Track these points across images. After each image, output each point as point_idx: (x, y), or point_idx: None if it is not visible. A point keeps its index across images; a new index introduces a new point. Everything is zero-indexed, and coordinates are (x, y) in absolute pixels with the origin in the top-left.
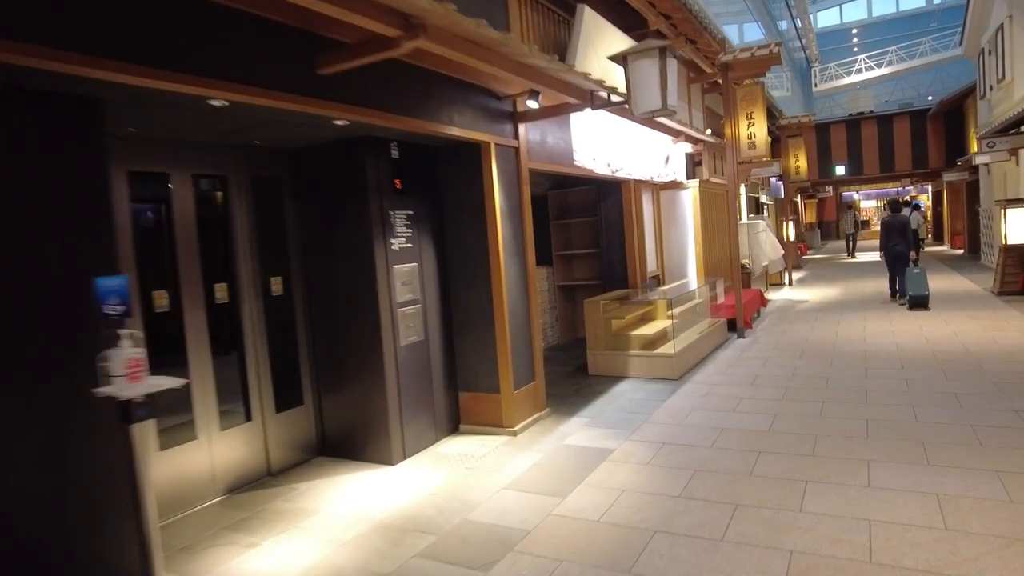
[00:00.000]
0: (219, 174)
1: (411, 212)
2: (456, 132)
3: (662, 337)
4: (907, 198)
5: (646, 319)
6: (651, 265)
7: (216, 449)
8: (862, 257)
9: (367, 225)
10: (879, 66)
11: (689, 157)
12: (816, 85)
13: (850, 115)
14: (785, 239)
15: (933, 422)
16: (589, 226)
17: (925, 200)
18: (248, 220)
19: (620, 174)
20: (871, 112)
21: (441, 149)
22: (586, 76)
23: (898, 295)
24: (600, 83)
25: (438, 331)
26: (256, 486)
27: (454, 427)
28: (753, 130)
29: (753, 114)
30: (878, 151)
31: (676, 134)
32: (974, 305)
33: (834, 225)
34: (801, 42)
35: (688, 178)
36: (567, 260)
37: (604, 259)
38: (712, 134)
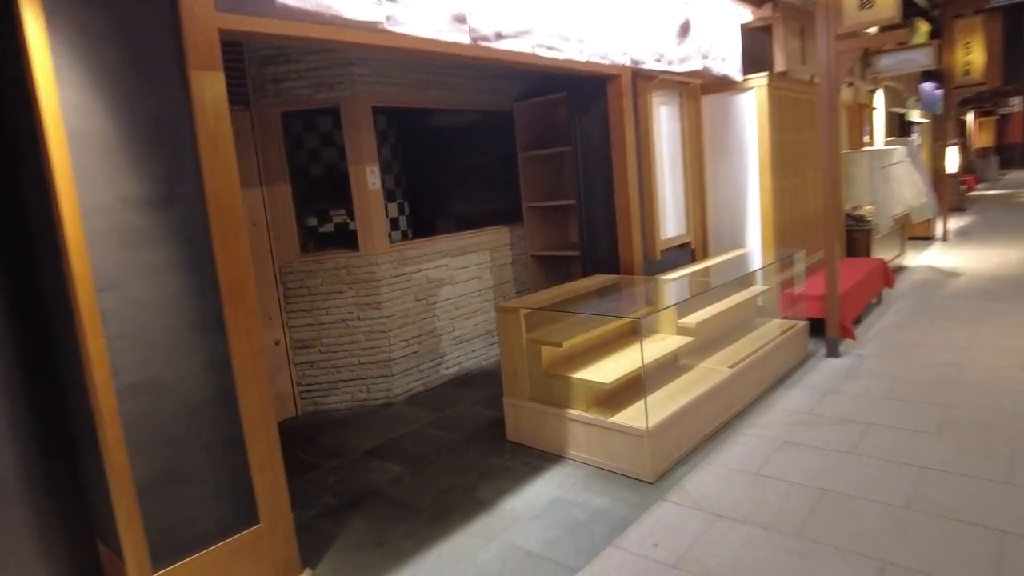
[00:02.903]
0: None
1: None
2: None
3: (638, 383)
4: None
5: (619, 341)
6: (674, 227)
7: None
8: None
9: None
10: None
11: (755, 39)
12: None
13: None
14: (943, 172)
15: None
16: (567, 160)
17: None
18: None
19: (512, 46)
20: None
21: None
22: None
23: None
24: None
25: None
26: None
27: None
28: None
29: None
30: None
31: None
32: None
33: (1019, 150)
34: None
35: (748, 73)
36: (548, 216)
37: (583, 218)
38: None
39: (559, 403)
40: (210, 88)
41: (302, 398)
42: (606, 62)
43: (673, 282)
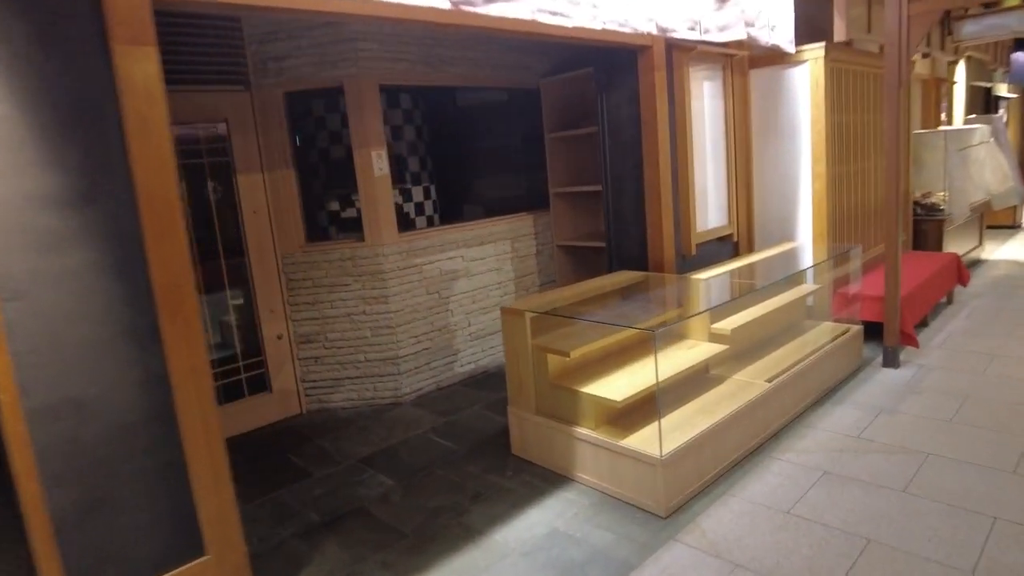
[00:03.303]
0: None
1: None
2: None
3: (648, 403)
4: None
5: (636, 350)
6: (715, 218)
7: None
8: None
9: None
10: None
11: (812, 3)
12: None
13: None
14: None
15: None
16: (598, 141)
17: None
18: None
19: (505, 12)
20: None
21: None
22: None
23: None
24: None
25: None
26: None
27: None
28: None
29: None
30: None
31: None
32: None
33: None
34: None
35: (805, 43)
36: (577, 202)
37: (609, 207)
38: None
39: (567, 418)
40: (140, 66)
41: (307, 395)
42: (627, 30)
43: (707, 281)
